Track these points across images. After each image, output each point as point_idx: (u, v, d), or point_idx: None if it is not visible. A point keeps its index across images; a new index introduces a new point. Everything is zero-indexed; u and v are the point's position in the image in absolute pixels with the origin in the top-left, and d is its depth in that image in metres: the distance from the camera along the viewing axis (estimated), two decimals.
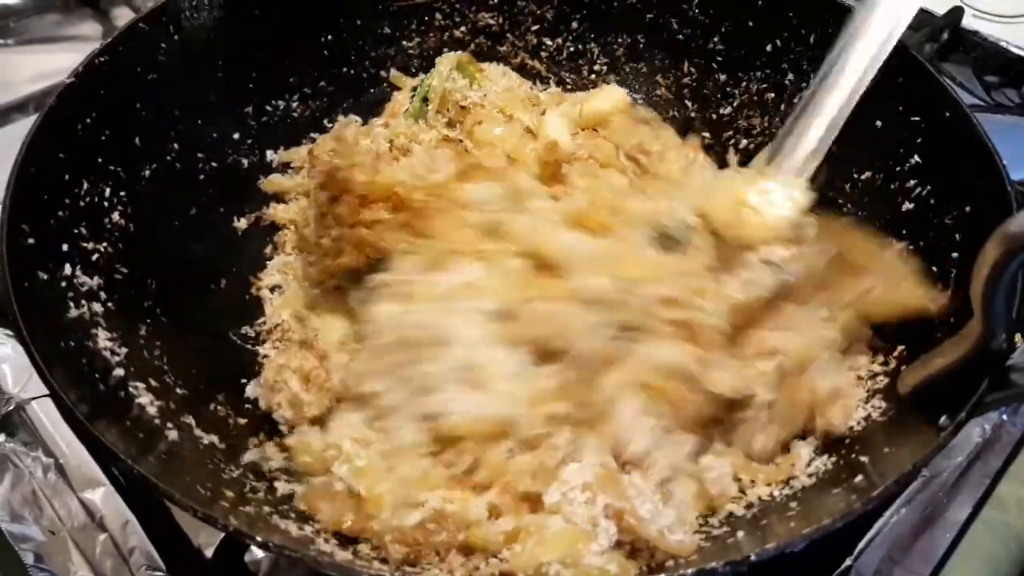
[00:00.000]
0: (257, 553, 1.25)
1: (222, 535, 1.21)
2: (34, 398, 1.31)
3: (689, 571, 0.91)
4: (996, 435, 1.32)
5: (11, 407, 1.31)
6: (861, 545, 1.21)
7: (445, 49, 1.70)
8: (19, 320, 1.04)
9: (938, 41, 1.96)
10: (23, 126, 1.23)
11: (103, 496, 1.23)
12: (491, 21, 1.72)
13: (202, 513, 0.94)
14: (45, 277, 1.16)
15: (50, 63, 1.77)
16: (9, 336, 1.34)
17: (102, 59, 1.31)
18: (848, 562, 1.20)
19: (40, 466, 1.27)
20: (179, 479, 1.04)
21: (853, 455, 1.06)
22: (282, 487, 1.14)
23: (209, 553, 1.23)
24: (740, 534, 1.03)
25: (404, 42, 1.69)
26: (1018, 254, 0.85)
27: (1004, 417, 1.33)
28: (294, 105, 1.61)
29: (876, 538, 1.22)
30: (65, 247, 1.21)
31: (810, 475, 1.11)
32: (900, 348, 1.19)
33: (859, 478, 1.01)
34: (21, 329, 1.04)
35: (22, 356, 1.04)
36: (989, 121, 1.23)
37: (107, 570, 1.19)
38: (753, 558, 0.91)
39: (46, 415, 1.30)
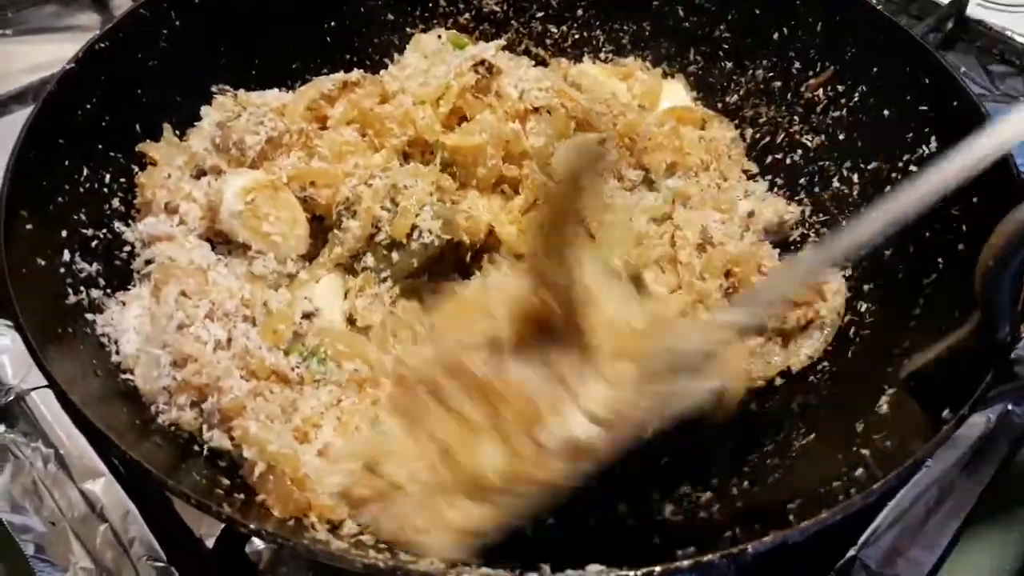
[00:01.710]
0: (258, 544, 1.24)
1: (223, 526, 1.21)
2: (34, 388, 1.30)
3: (685, 563, 0.90)
4: (1002, 424, 1.31)
5: (11, 397, 1.30)
6: (866, 535, 1.21)
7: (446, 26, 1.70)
8: (16, 306, 1.04)
9: (943, 30, 1.96)
10: (21, 116, 1.23)
11: (103, 486, 1.23)
12: (495, 8, 1.71)
13: (196, 500, 0.94)
14: (43, 263, 1.16)
15: (48, 53, 1.77)
16: (8, 327, 1.33)
17: (102, 44, 1.31)
18: (852, 552, 1.20)
19: (40, 457, 1.26)
20: (175, 466, 1.04)
21: (854, 448, 1.06)
22: None
23: (210, 544, 1.23)
24: (738, 528, 1.03)
25: (408, 29, 1.69)
26: (1022, 246, 0.84)
27: (1010, 407, 1.32)
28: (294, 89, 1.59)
29: (881, 528, 1.22)
30: (64, 233, 1.21)
31: (811, 467, 1.11)
32: (905, 343, 1.18)
33: (859, 471, 1.00)
34: (18, 315, 1.03)
35: (22, 347, 1.04)
36: (994, 111, 1.22)
37: (108, 561, 1.19)
38: (750, 551, 0.91)
39: (46, 406, 1.29)
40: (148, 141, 1.37)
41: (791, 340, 1.31)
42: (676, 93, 1.63)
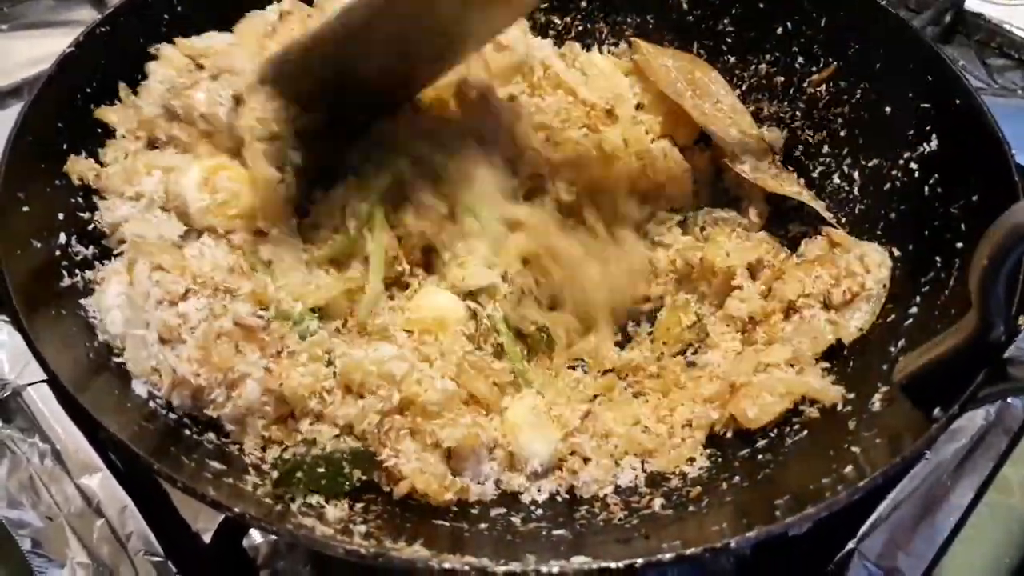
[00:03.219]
0: (256, 538, 1.25)
1: (220, 520, 1.21)
2: (31, 384, 1.30)
3: (667, 556, 0.91)
4: (1000, 418, 1.30)
5: (8, 393, 1.30)
6: (864, 528, 1.21)
7: None
8: (10, 287, 1.04)
9: (941, 23, 1.95)
10: (17, 112, 1.22)
11: (100, 481, 1.23)
12: None
13: (182, 483, 0.94)
14: (39, 245, 1.16)
15: (45, 48, 1.74)
16: (5, 322, 1.34)
17: (103, 29, 1.31)
18: (851, 545, 1.20)
19: (37, 452, 1.26)
20: (164, 450, 1.04)
21: (845, 445, 1.06)
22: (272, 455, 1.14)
23: (207, 538, 1.23)
24: (724, 523, 1.03)
25: None
26: (1017, 246, 0.84)
27: (1009, 400, 1.32)
28: None
29: (879, 521, 1.22)
30: (61, 216, 1.22)
31: (802, 464, 1.11)
32: (900, 342, 1.18)
33: (848, 468, 1.00)
34: (11, 296, 1.03)
35: (19, 342, 1.04)
36: (993, 105, 1.23)
37: (104, 556, 1.19)
38: (733, 545, 0.91)
39: (43, 401, 1.29)
40: (104, 106, 1.34)
41: (838, 313, 1.29)
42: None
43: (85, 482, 1.23)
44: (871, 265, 1.29)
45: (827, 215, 1.41)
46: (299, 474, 1.10)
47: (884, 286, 1.27)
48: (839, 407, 1.16)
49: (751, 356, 1.28)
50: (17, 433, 1.28)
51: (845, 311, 1.28)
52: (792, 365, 1.25)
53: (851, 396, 1.17)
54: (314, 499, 1.08)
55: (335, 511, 1.07)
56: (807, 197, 1.44)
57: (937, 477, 1.25)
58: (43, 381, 1.28)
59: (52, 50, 1.29)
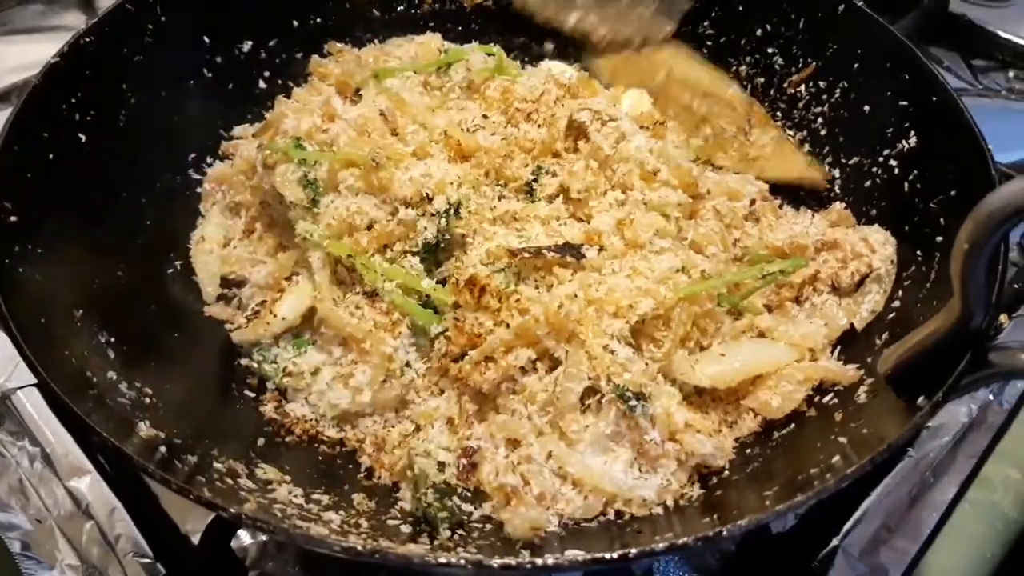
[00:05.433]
0: (244, 539, 1.25)
1: (208, 521, 1.22)
2: (20, 387, 1.31)
3: (660, 546, 0.91)
4: (982, 415, 1.32)
5: None
6: (849, 525, 1.22)
7: (431, 24, 1.68)
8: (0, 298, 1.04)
9: (925, 25, 1.97)
10: (4, 117, 1.22)
11: (89, 484, 1.24)
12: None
13: (176, 485, 0.94)
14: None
15: (33, 53, 1.76)
16: None
17: (88, 39, 1.31)
18: (835, 542, 1.21)
19: (26, 455, 1.27)
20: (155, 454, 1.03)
21: (832, 436, 1.07)
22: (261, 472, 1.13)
23: (196, 540, 1.23)
24: (716, 515, 1.04)
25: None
26: (997, 230, 0.84)
27: (991, 397, 1.33)
28: (279, 83, 1.59)
29: (863, 518, 1.23)
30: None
31: (790, 456, 1.11)
32: (884, 335, 1.19)
33: (836, 458, 1.01)
34: (1, 304, 1.03)
35: (7, 346, 1.03)
36: (976, 105, 1.24)
37: (94, 558, 1.19)
38: (724, 534, 0.92)
39: (32, 404, 1.29)
40: None
41: (848, 298, 1.28)
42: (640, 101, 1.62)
43: (74, 485, 1.24)
44: (875, 244, 1.28)
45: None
46: None
47: (892, 262, 1.26)
48: (826, 400, 1.18)
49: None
50: (7, 436, 1.28)
51: (856, 295, 1.27)
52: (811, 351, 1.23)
53: (837, 389, 1.18)
54: None
55: (331, 514, 1.07)
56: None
57: (920, 474, 1.27)
58: (33, 385, 1.29)
59: (41, 55, 1.29)
